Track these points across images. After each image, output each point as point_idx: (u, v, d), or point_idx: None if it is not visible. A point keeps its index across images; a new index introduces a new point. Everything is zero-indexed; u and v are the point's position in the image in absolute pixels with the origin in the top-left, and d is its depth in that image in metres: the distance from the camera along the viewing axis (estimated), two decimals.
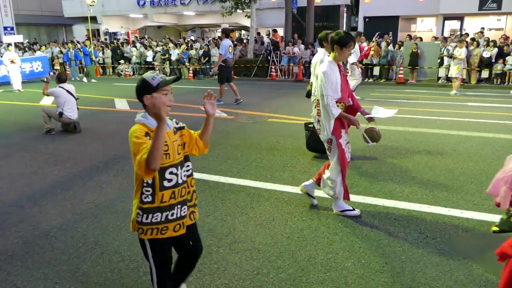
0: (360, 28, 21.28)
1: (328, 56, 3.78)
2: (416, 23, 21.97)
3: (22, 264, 3.06)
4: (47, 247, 3.31)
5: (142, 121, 2.03)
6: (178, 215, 2.13)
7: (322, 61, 5.24)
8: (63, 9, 28.50)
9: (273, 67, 17.13)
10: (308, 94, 5.80)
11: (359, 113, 3.78)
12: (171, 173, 2.06)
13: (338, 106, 3.54)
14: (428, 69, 15.14)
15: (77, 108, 7.57)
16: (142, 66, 19.86)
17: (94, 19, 19.95)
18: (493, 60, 13.98)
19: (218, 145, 6.35)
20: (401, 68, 14.97)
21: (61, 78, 7.55)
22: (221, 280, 2.81)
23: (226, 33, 10.53)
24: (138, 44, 20.80)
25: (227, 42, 10.13)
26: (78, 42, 22.47)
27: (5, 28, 26.99)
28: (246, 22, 21.49)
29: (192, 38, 23.95)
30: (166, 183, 2.05)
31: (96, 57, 19.24)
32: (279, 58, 17.28)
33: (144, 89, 2.02)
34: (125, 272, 2.92)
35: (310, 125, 5.55)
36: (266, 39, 18.53)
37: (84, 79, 17.08)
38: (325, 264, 2.96)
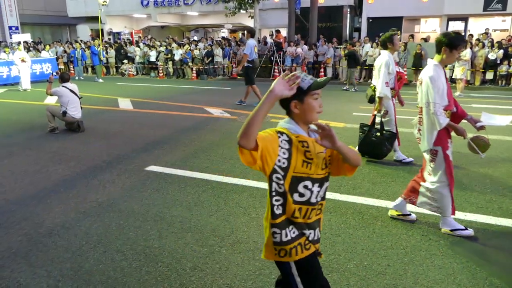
0: (364, 28, 21.26)
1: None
2: (420, 23, 21.92)
3: (25, 262, 3.08)
4: (50, 245, 3.32)
5: (286, 126, 1.76)
6: (311, 239, 1.82)
7: (387, 63, 5.05)
8: (67, 9, 28.61)
9: (276, 67, 17.14)
10: (371, 99, 5.45)
11: (464, 121, 3.39)
12: (305, 187, 1.74)
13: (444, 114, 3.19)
14: None
15: (81, 107, 7.60)
16: (146, 66, 19.93)
17: (97, 18, 19.99)
18: (498, 62, 13.92)
19: (221, 145, 6.36)
20: (405, 69, 14.94)
21: (64, 78, 7.58)
22: (223, 280, 2.81)
23: (252, 32, 10.21)
24: (141, 44, 20.86)
25: (252, 42, 9.92)
26: (82, 41, 22.56)
27: (10, 28, 27.15)
28: (250, 23, 21.49)
29: (196, 38, 23.99)
30: (296, 197, 1.74)
31: (103, 57, 19.28)
32: (282, 59, 17.28)
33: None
34: (127, 271, 2.93)
35: (365, 128, 5.37)
36: (269, 40, 18.54)
37: (100, 80, 17.11)
38: (327, 266, 2.96)
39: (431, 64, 3.29)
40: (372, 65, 15.50)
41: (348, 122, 7.88)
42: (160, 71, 18.88)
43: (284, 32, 20.28)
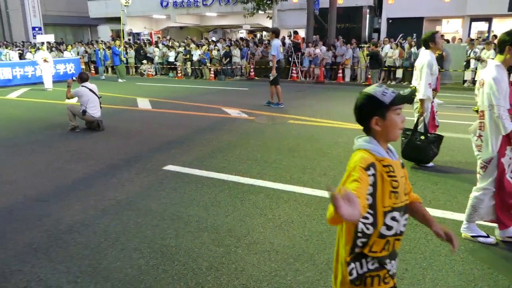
0: (383, 29, 21.00)
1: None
2: (441, 24, 21.52)
3: (46, 257, 3.14)
4: (70, 242, 3.38)
5: (368, 147, 1.57)
6: (391, 272, 1.65)
7: (430, 63, 4.80)
8: (88, 10, 29.19)
9: (294, 68, 17.09)
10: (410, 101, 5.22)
11: None
12: (393, 218, 1.56)
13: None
14: (453, 72, 14.80)
15: (100, 107, 7.73)
16: (164, 66, 20.15)
17: (118, 19, 20.29)
18: None
19: (238, 146, 6.38)
20: None
21: (82, 78, 7.74)
22: (239, 280, 2.81)
23: (276, 33, 10.01)
24: (160, 45, 21.11)
25: (277, 42, 9.79)
26: (102, 41, 22.98)
27: (33, 29, 27.91)
28: (268, 23, 21.50)
29: (214, 39, 24.13)
30: (384, 231, 1.56)
31: (124, 57, 19.56)
32: (300, 60, 17.22)
33: (372, 108, 1.57)
34: (144, 269, 2.96)
35: (408, 132, 5.12)
36: (287, 40, 18.51)
37: (120, 79, 17.36)
38: None
39: (493, 65, 3.10)
40: (391, 67, 15.36)
41: None
42: (179, 72, 19.06)
43: (302, 33, 20.20)
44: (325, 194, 4.33)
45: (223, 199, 4.24)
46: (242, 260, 3.06)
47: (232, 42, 19.58)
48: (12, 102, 12.04)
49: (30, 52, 17.74)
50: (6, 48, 19.57)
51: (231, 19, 26.73)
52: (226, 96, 12.63)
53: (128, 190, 4.56)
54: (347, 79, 16.34)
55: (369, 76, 14.68)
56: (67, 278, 2.86)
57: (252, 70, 17.81)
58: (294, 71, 17.08)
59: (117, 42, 19.17)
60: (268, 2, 17.75)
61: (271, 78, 9.79)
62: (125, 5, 18.66)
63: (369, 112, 1.58)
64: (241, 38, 23.84)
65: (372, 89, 1.60)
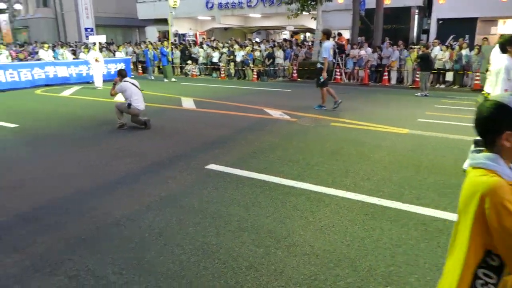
0: (432, 30, 20.17)
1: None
2: (497, 25, 20.34)
3: (93, 249, 3.29)
4: (116, 235, 3.52)
5: (496, 168, 1.32)
6: None
7: (507, 68, 4.56)
8: (137, 11, 30.30)
9: (337, 70, 16.82)
10: None
11: None
12: None
13: None
14: None
15: (144, 100, 8.02)
16: (208, 66, 20.52)
17: (165, 21, 20.89)
18: None
19: (279, 147, 6.37)
20: (478, 73, 13.95)
21: (122, 74, 8.09)
22: (278, 282, 2.80)
23: (327, 34, 9.80)
24: (205, 45, 21.51)
25: (329, 44, 9.66)
26: (150, 42, 23.78)
27: (86, 29, 29.38)
28: (312, 24, 21.31)
29: (257, 39, 24.27)
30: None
31: (172, 57, 20.09)
32: (344, 62, 16.92)
33: (505, 120, 1.31)
34: (186, 265, 3.03)
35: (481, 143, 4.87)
36: (332, 42, 18.25)
37: (165, 80, 17.87)
38: (386, 277, 2.84)
39: None
40: (441, 69, 14.73)
41: (412, 128, 7.51)
42: (222, 72, 19.34)
43: (347, 34, 19.85)
44: (368, 199, 4.22)
45: (264, 200, 4.25)
46: (282, 261, 3.05)
47: (276, 43, 19.59)
48: (65, 99, 12.74)
49: (83, 52, 18.68)
50: (62, 48, 20.72)
51: (275, 20, 26.76)
52: (268, 97, 12.65)
53: (171, 187, 4.68)
54: (393, 81, 15.86)
55: (417, 79, 14.15)
56: (113, 270, 2.98)
57: (295, 71, 17.74)
58: (338, 73, 16.81)
59: (165, 43, 19.70)
60: (313, 3, 17.60)
61: (322, 80, 9.68)
62: (173, 7, 19.18)
63: (501, 125, 1.32)
64: (285, 39, 23.79)
65: (503, 97, 1.33)
